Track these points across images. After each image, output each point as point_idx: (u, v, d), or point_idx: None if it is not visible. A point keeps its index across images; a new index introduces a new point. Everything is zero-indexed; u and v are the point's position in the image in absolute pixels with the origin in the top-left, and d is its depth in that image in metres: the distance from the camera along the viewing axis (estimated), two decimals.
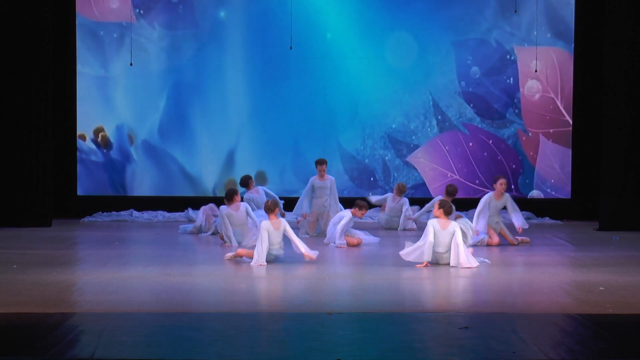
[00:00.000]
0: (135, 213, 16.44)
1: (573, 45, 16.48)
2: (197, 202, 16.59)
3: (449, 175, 16.35)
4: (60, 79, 16.29)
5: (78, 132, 16.53)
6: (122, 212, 16.41)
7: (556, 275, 9.94)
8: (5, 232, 13.84)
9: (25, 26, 14.59)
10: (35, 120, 14.73)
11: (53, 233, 13.93)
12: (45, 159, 14.87)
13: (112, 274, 9.72)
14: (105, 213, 16.41)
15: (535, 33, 16.18)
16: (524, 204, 16.69)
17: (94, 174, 16.62)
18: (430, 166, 16.41)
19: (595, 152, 15.83)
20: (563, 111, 16.29)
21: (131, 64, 16.18)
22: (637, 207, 14.55)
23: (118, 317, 7.42)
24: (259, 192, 14.38)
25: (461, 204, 16.67)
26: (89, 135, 16.51)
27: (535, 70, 16.02)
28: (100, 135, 16.53)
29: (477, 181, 16.37)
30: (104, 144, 16.52)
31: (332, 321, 7.34)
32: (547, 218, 16.40)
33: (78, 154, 16.56)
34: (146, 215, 16.44)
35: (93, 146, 16.54)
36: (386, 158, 16.45)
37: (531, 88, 16.31)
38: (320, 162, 14.14)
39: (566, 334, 6.99)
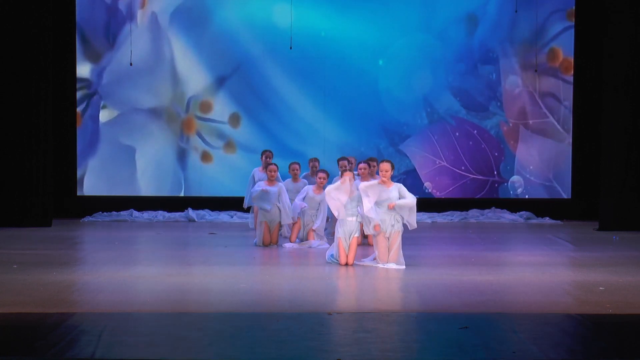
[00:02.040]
0: (135, 213, 16.44)
1: (573, 45, 16.82)
2: (197, 202, 16.64)
3: (437, 162, 17.10)
4: (61, 79, 16.30)
5: None
6: (122, 212, 16.42)
7: (556, 275, 9.93)
8: (5, 232, 13.84)
9: (25, 26, 14.59)
10: (35, 120, 14.73)
11: (53, 233, 13.92)
12: (45, 159, 14.87)
13: (112, 274, 9.72)
14: (105, 213, 16.41)
15: (536, 33, 16.64)
16: (524, 204, 16.78)
17: (96, 9, 16.62)
18: (420, 154, 17.12)
19: (595, 152, 15.88)
20: (540, 104, 17.01)
21: (131, 64, 16.24)
22: (637, 207, 14.55)
23: (118, 317, 7.41)
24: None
25: (461, 204, 16.83)
26: None
27: (536, 70, 16.83)
28: None
29: (462, 167, 17.13)
30: None
31: (332, 321, 7.34)
32: (547, 218, 16.44)
33: None
34: (146, 215, 16.45)
35: None
36: (380, 146, 17.03)
37: (512, 83, 17.05)
38: (342, 159, 13.67)
39: (566, 334, 6.99)
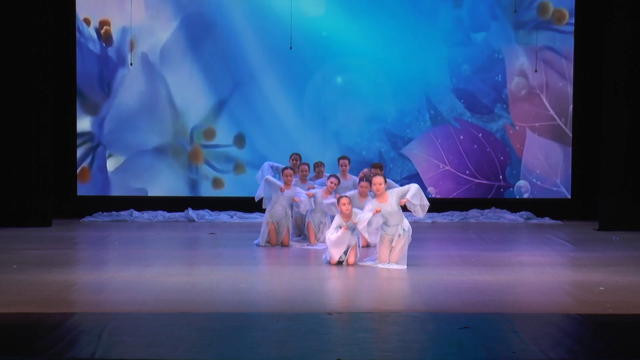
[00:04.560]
0: (135, 213, 16.44)
1: (573, 44, 16.80)
2: (197, 202, 16.64)
3: (441, 167, 16.89)
4: (60, 78, 16.30)
5: (84, 16, 16.52)
6: (122, 212, 16.41)
7: (556, 275, 9.94)
8: (5, 232, 13.84)
9: (25, 24, 14.57)
10: (36, 120, 14.73)
11: (53, 233, 13.93)
12: (46, 159, 14.88)
13: (112, 274, 9.72)
14: (105, 213, 16.41)
15: (535, 33, 16.63)
16: (524, 204, 16.77)
17: (87, 61, 16.57)
18: (423, 158, 16.94)
19: (596, 151, 15.87)
20: (548, 106, 16.82)
21: (131, 64, 16.26)
22: (637, 207, 14.55)
23: (118, 317, 7.42)
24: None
25: (461, 204, 16.81)
26: (94, 24, 16.50)
27: (535, 70, 16.67)
28: (104, 28, 16.43)
29: (467, 172, 16.93)
30: (105, 38, 16.42)
31: (332, 321, 7.34)
32: (547, 218, 16.43)
33: (78, 35, 16.55)
34: (146, 215, 16.45)
35: (94, 35, 16.52)
36: (382, 150, 16.86)
37: (518, 85, 16.86)
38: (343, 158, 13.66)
39: (566, 334, 6.99)
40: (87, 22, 16.58)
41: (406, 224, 10.64)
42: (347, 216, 10.75)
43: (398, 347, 6.56)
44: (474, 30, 16.82)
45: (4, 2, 14.51)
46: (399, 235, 10.56)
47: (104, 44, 16.59)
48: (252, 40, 16.77)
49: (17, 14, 14.51)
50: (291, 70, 16.78)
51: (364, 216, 10.50)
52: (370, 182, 11.52)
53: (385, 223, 10.58)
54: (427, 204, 10.64)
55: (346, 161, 13.56)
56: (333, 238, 10.68)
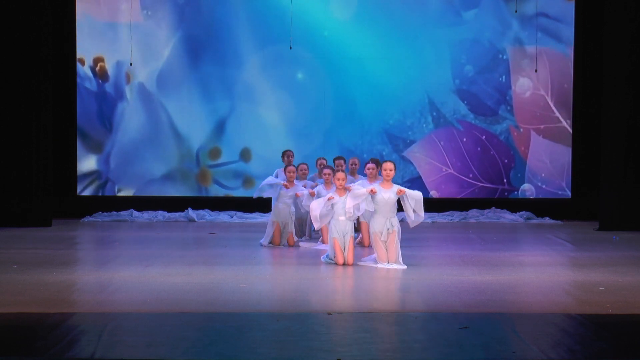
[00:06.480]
0: (135, 213, 16.45)
1: (573, 43, 16.79)
2: (197, 202, 16.64)
3: (443, 170, 16.80)
4: (60, 80, 16.30)
5: (78, 56, 16.54)
6: (122, 212, 16.42)
7: (556, 275, 9.94)
8: (5, 232, 13.84)
9: (26, 26, 14.58)
10: (36, 120, 14.74)
11: (53, 233, 13.93)
12: (46, 159, 14.88)
13: (112, 274, 9.72)
14: (105, 213, 16.42)
15: (536, 33, 16.52)
16: (524, 204, 16.76)
17: (85, 101, 16.58)
18: (425, 160, 16.88)
19: (596, 151, 15.87)
20: (553, 108, 16.74)
21: (131, 64, 16.26)
22: (637, 207, 14.55)
23: (118, 317, 7.41)
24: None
25: (461, 204, 16.79)
26: (88, 62, 16.50)
27: (536, 70, 16.57)
28: (99, 65, 16.44)
29: (470, 175, 16.83)
30: (100, 75, 16.43)
31: (332, 321, 7.34)
32: (547, 218, 16.43)
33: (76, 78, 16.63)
34: (146, 215, 16.45)
35: (90, 73, 16.52)
36: (383, 153, 16.78)
37: (522, 86, 16.75)
38: (338, 158, 13.50)
39: (566, 334, 6.99)
40: (81, 62, 16.59)
41: (395, 220, 10.62)
42: (341, 191, 10.78)
43: (398, 347, 6.55)
44: (465, 9, 16.70)
45: (4, 2, 14.52)
46: (388, 230, 10.53)
47: (100, 81, 16.60)
48: (250, 47, 16.70)
49: (17, 13, 14.52)
50: (290, 73, 16.76)
51: (359, 190, 10.53)
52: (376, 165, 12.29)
53: (376, 211, 10.58)
54: (421, 214, 10.59)
55: (356, 160, 13.60)
56: (317, 203, 10.79)
